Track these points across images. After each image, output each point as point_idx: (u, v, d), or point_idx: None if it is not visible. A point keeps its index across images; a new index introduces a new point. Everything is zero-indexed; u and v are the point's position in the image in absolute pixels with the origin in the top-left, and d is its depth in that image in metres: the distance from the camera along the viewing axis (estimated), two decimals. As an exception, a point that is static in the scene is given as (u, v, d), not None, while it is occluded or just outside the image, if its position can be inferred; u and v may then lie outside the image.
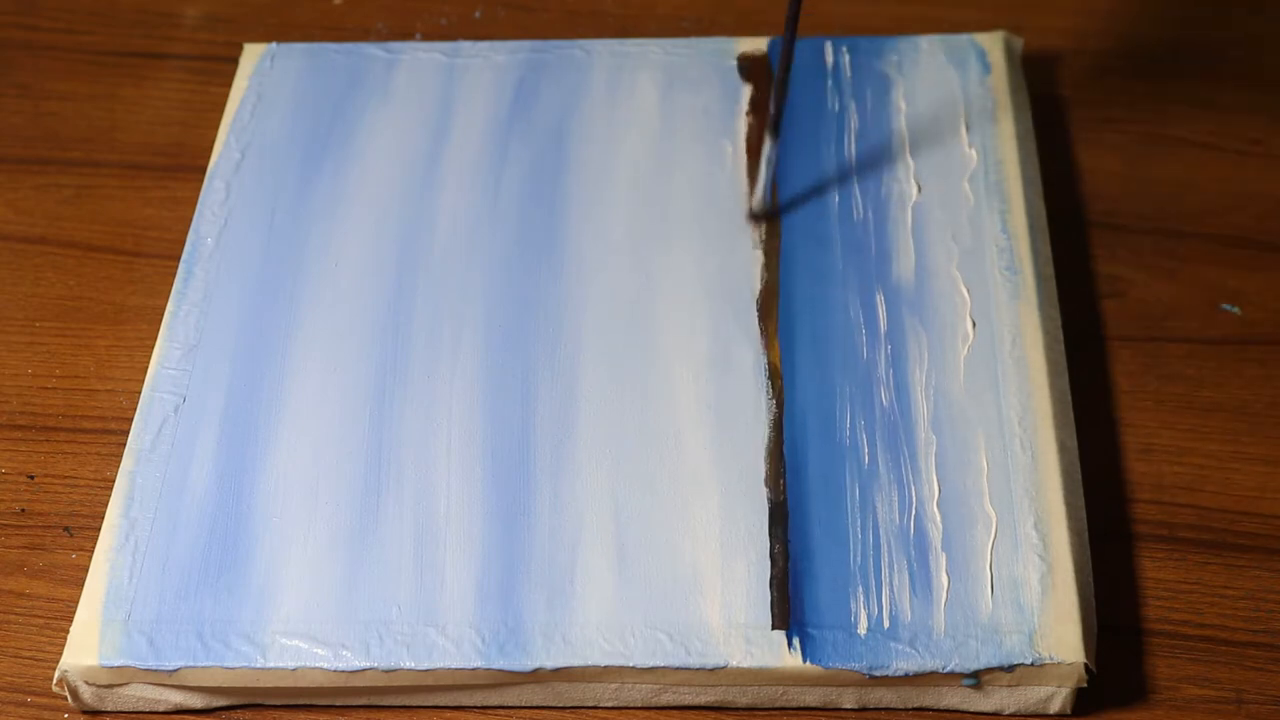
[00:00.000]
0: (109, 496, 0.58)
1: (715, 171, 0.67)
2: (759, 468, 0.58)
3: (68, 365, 0.65)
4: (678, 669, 0.53)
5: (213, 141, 0.70)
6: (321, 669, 0.54)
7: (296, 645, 0.54)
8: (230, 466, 0.58)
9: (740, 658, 0.53)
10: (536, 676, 0.54)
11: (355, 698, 0.55)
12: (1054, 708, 0.54)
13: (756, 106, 0.69)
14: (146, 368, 0.62)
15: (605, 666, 0.53)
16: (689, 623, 0.54)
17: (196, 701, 0.55)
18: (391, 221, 0.66)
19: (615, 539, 0.56)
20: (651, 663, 0.53)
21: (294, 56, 0.72)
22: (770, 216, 0.65)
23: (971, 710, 0.55)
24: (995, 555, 0.55)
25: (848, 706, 0.55)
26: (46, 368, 0.65)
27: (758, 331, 0.61)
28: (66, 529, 0.60)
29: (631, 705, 0.55)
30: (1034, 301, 0.62)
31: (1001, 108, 0.69)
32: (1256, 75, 0.75)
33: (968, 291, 0.62)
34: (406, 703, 0.55)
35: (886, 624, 0.54)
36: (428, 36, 0.77)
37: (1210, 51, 0.76)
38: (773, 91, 0.63)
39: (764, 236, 0.64)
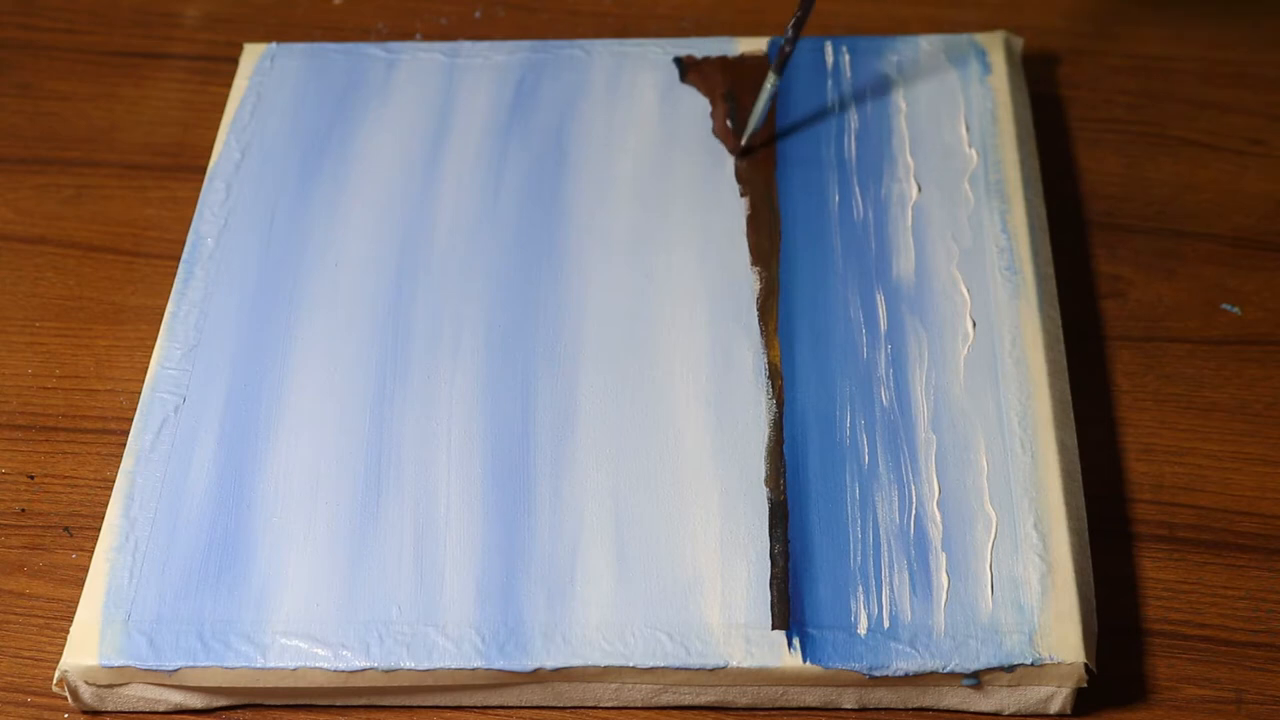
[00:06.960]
0: (109, 496, 0.58)
1: (715, 171, 0.67)
2: (759, 467, 0.58)
3: (68, 365, 0.65)
4: (678, 669, 0.53)
5: (213, 141, 0.70)
6: (321, 669, 0.54)
7: (296, 645, 0.54)
8: (230, 466, 0.58)
9: (740, 658, 0.53)
10: (536, 676, 0.54)
11: (355, 698, 0.55)
12: (1054, 708, 0.54)
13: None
14: (146, 368, 0.62)
15: (605, 666, 0.53)
16: (689, 623, 0.54)
17: (196, 701, 0.55)
18: (391, 221, 0.66)
19: (615, 539, 0.56)
20: (651, 663, 0.53)
21: (294, 56, 0.72)
22: (751, 149, 0.67)
23: (971, 710, 0.55)
24: (995, 555, 0.55)
25: (848, 706, 0.55)
26: (46, 368, 0.65)
27: (758, 331, 0.61)
28: (66, 529, 0.60)
29: (631, 705, 0.55)
30: (1034, 301, 0.62)
31: (1001, 108, 0.69)
32: (1256, 75, 0.74)
33: (968, 291, 0.62)
34: (406, 703, 0.55)
35: (886, 624, 0.54)
36: (428, 36, 0.77)
37: (1210, 51, 0.76)
38: (791, 27, 0.65)
39: (764, 236, 0.64)
